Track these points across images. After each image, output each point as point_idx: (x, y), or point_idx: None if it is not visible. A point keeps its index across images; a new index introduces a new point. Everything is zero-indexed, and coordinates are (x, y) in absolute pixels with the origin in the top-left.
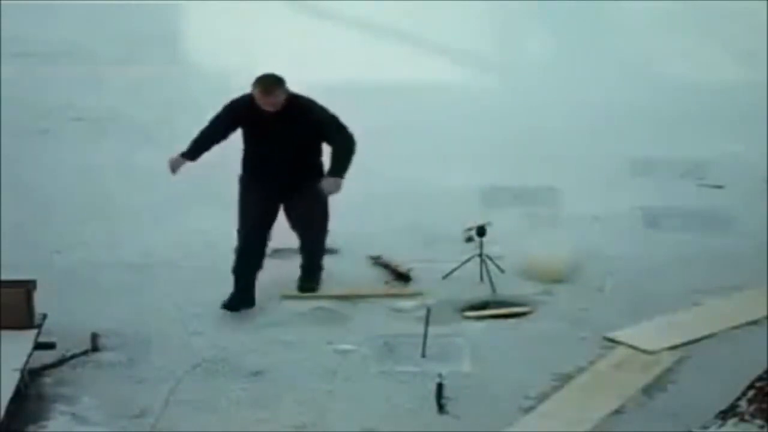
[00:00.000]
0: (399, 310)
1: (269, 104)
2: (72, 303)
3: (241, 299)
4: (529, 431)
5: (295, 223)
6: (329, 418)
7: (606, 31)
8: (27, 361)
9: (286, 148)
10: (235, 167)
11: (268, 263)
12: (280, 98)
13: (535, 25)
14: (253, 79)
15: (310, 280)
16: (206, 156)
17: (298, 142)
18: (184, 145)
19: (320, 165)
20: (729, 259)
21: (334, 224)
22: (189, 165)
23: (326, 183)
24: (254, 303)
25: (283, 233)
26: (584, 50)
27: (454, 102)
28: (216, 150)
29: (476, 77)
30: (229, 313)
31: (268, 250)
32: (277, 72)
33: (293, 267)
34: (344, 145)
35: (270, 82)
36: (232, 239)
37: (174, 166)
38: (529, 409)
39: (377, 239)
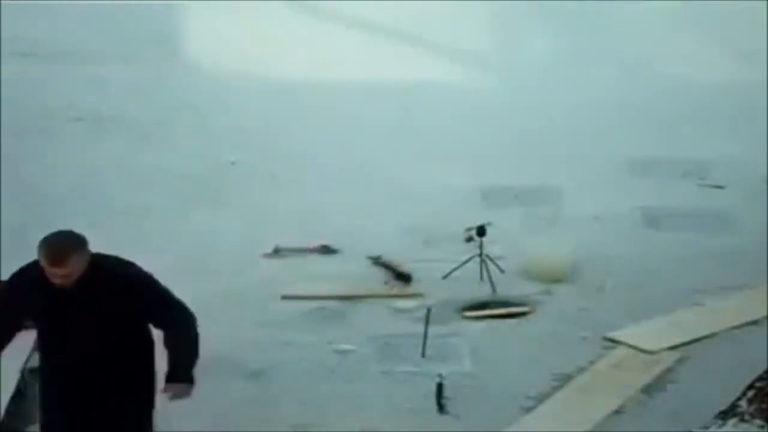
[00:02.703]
0: (399, 310)
1: (59, 278)
2: None
3: None
4: (529, 431)
5: None
6: (329, 418)
7: (606, 31)
8: (27, 361)
9: (91, 339)
10: (236, 168)
11: (267, 263)
12: (76, 268)
13: (535, 25)
14: (252, 79)
15: None
16: (207, 156)
17: (109, 329)
18: (184, 145)
19: (144, 357)
20: (729, 259)
21: (334, 224)
22: (189, 165)
23: (170, 390)
24: None
25: (282, 233)
26: (584, 50)
27: (454, 102)
28: (217, 150)
29: (476, 77)
30: (229, 312)
31: (268, 249)
32: (278, 72)
33: (293, 267)
34: (185, 333)
35: (59, 247)
36: (231, 239)
37: None
38: (529, 409)
39: (377, 239)
